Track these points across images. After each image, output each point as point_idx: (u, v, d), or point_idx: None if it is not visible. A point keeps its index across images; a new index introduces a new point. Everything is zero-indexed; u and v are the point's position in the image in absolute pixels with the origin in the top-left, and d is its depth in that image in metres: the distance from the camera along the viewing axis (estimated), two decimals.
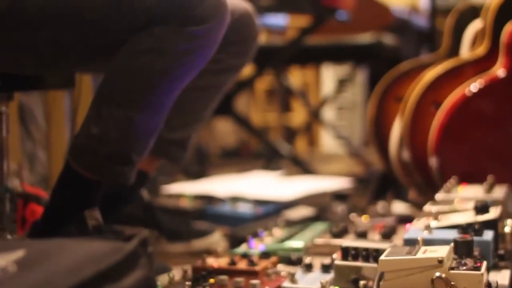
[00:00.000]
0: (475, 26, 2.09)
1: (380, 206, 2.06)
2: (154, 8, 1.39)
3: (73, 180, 1.49)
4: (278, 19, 3.62)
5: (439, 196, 1.54)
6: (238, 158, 4.21)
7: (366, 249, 1.21)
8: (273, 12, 2.91)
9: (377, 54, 3.18)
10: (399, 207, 2.06)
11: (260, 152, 4.01)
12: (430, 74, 1.97)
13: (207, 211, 2.09)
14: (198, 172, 3.17)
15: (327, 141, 4.83)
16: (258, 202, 2.12)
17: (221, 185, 2.40)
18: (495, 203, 1.41)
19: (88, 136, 1.46)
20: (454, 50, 2.19)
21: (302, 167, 2.98)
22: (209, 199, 2.20)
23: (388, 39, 3.27)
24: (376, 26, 4.67)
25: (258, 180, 2.58)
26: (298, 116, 4.65)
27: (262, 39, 3.70)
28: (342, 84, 3.72)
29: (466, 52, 2.09)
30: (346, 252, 1.22)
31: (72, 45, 1.47)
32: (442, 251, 1.03)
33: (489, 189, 1.56)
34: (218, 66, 1.70)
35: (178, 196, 2.25)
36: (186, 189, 2.34)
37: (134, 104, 1.44)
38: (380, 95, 2.26)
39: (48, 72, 1.66)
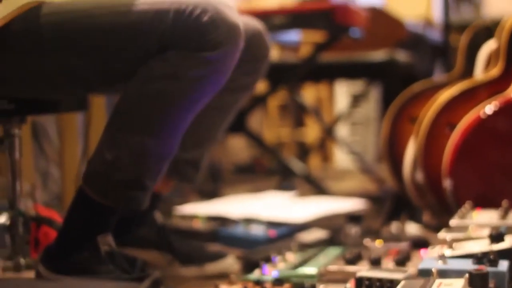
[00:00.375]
0: (489, 46, 2.08)
1: (394, 227, 2.04)
2: (168, 33, 1.40)
3: (86, 205, 1.49)
4: (291, 35, 3.61)
5: (453, 222, 1.53)
6: (251, 175, 4.20)
7: (380, 280, 1.20)
8: (286, 29, 2.90)
9: (390, 71, 3.17)
10: (413, 229, 2.05)
11: (274, 168, 4.00)
12: (444, 96, 1.97)
13: (220, 233, 2.08)
14: (211, 190, 3.16)
15: (341, 157, 4.81)
16: (272, 224, 2.11)
17: (235, 206, 2.39)
18: (510, 230, 1.40)
19: (102, 161, 1.46)
20: (468, 70, 2.18)
21: (315, 186, 2.96)
22: (222, 221, 2.19)
23: (402, 56, 3.26)
24: (390, 41, 4.65)
25: (271, 200, 2.57)
26: (311, 131, 4.64)
27: (275, 55, 3.70)
28: (356, 100, 3.71)
29: (480, 72, 2.08)
30: (360, 283, 1.21)
31: (86, 70, 1.48)
32: (457, 285, 1.02)
33: (504, 215, 1.55)
34: (229, 85, 1.69)
35: (191, 217, 2.24)
36: (199, 210, 2.33)
37: (148, 130, 1.44)
38: (394, 116, 2.25)
39: (61, 96, 1.66)
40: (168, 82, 1.41)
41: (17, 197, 1.70)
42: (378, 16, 4.71)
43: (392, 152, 2.24)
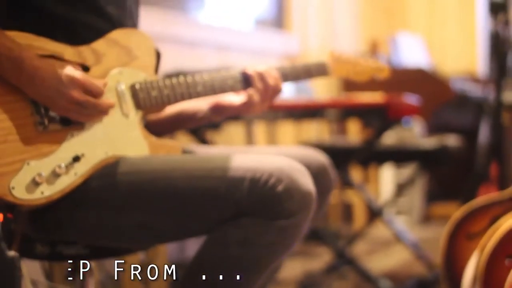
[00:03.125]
0: None
1: None
2: (243, 201, 1.44)
3: None
4: None
5: None
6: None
7: None
8: (339, 121, 2.95)
9: (442, 158, 3.18)
10: None
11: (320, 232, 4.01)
12: (504, 226, 1.98)
13: None
14: None
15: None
16: None
17: None
18: None
19: None
20: None
21: (361, 272, 2.99)
22: None
23: (452, 141, 3.27)
24: (437, 101, 4.68)
25: None
26: (357, 193, 4.64)
27: None
28: (401, 188, 3.72)
29: None
30: None
31: (160, 228, 1.53)
32: None
33: None
34: None
35: None
36: None
37: None
38: (451, 233, 2.26)
39: (134, 245, 1.72)
40: (242, 248, 1.45)
41: None
42: (425, 77, 4.75)
43: (450, 268, 2.25)
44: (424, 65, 5.05)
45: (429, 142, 3.22)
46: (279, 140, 4.26)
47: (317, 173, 1.78)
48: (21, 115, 1.47)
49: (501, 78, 2.77)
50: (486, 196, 2.24)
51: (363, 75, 2.01)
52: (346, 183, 3.39)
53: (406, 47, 5.05)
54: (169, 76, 1.81)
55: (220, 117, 1.83)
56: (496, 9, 2.53)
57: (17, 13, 1.56)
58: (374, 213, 3.33)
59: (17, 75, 1.45)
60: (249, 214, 1.45)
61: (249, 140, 3.56)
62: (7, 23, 1.53)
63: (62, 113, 1.50)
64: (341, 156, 3.09)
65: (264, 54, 4.51)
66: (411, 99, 2.88)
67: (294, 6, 4.80)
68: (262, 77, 1.76)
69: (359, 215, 4.60)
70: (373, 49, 5.13)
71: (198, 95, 1.70)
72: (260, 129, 4.07)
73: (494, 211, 2.15)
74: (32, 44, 1.51)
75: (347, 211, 4.67)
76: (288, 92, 3.52)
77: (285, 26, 4.82)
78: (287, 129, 4.29)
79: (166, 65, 3.49)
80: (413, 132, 3.51)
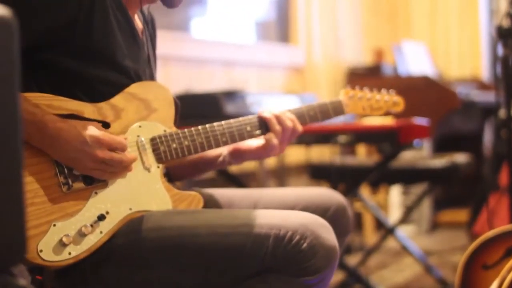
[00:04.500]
0: None
1: None
2: (268, 258, 1.46)
3: None
4: None
5: None
6: None
7: None
8: (350, 146, 2.96)
9: (452, 176, 3.19)
10: None
11: None
12: None
13: None
14: None
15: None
16: None
17: None
18: None
19: None
20: None
21: None
22: None
23: (462, 158, 3.29)
24: (443, 109, 4.68)
25: None
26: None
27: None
28: (409, 210, 3.74)
29: None
30: None
31: (185, 283, 1.54)
32: None
33: None
34: None
35: None
36: None
37: None
38: (467, 263, 2.28)
39: None
40: None
41: None
42: (431, 85, 4.75)
43: None
44: (430, 73, 5.06)
45: (438, 162, 3.23)
46: (287, 161, 4.27)
47: (337, 214, 1.81)
48: (46, 177, 1.49)
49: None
50: (500, 228, 2.25)
51: (378, 111, 2.03)
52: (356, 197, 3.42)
53: (411, 55, 5.06)
54: (180, 97, 1.82)
55: (239, 161, 1.85)
56: (504, 35, 2.54)
57: (35, 72, 1.57)
58: (386, 231, 3.34)
59: (40, 138, 1.47)
60: (274, 270, 1.46)
61: (259, 161, 3.57)
62: (26, 83, 1.54)
63: (87, 172, 1.52)
64: (352, 177, 3.11)
65: (270, 67, 4.53)
66: (421, 121, 2.90)
67: (299, 19, 4.81)
68: (279, 120, 1.78)
69: (369, 225, 4.61)
70: (378, 59, 5.14)
71: (217, 144, 1.72)
72: None
73: (509, 242, 2.17)
74: (52, 104, 1.53)
75: (356, 220, 4.68)
76: None
77: (290, 39, 4.83)
78: (295, 150, 4.30)
79: (175, 86, 3.51)
80: (422, 151, 3.53)
